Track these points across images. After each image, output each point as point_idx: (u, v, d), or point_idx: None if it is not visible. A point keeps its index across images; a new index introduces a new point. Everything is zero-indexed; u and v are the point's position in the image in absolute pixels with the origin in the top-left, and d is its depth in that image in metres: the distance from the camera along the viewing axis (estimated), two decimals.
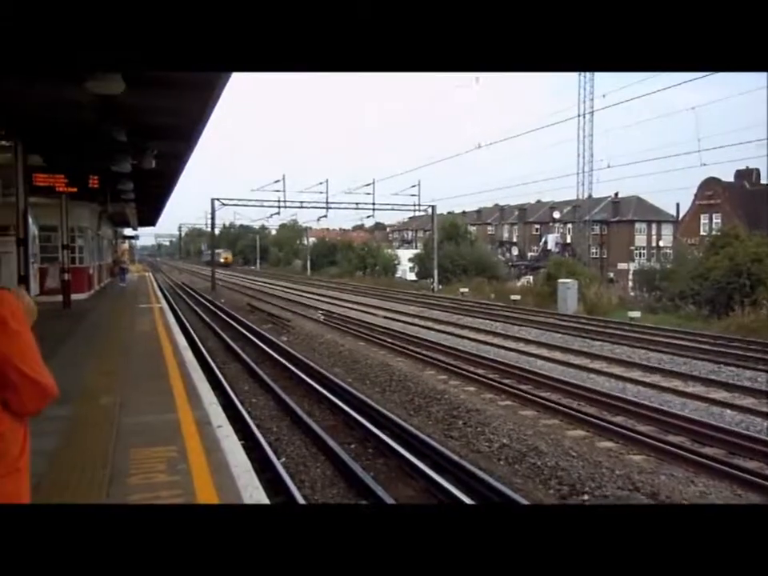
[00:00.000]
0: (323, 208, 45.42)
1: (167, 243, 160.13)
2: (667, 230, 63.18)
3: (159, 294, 27.90)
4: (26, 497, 1.91)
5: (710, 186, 49.73)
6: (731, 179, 50.96)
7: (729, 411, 10.31)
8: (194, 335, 17.43)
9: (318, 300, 32.81)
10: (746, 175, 49.46)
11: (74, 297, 19.92)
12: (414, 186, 45.21)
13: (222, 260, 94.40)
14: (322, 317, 24.55)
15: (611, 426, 9.20)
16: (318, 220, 53.93)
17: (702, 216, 50.91)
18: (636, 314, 23.73)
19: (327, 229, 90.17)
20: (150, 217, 39.61)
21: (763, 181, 48.93)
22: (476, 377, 12.79)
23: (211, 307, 28.50)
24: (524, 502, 6.41)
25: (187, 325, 19.48)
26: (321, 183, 45.14)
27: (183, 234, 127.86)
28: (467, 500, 6.28)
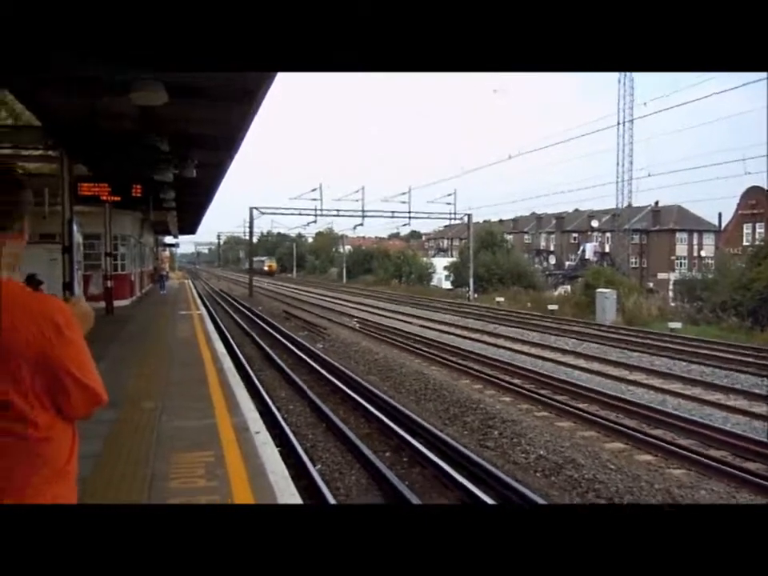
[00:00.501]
0: (359, 216, 45.73)
1: (206, 251, 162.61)
2: (709, 240, 61.89)
3: (198, 300, 28.36)
4: (72, 501, 1.97)
5: (753, 194, 48.59)
6: None
7: None
8: (232, 342, 17.66)
9: (353, 308, 32.93)
10: None
11: (117, 303, 20.37)
12: (449, 195, 45.23)
13: (265, 268, 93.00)
14: (357, 325, 24.64)
15: (650, 439, 9.05)
16: (354, 228, 54.19)
17: (744, 226, 49.79)
18: (677, 324, 23.29)
19: (363, 237, 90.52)
20: (190, 225, 40.33)
21: None
22: (512, 387, 12.70)
23: (248, 314, 28.84)
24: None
25: (225, 331, 19.75)
26: (357, 191, 45.47)
27: (222, 242, 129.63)
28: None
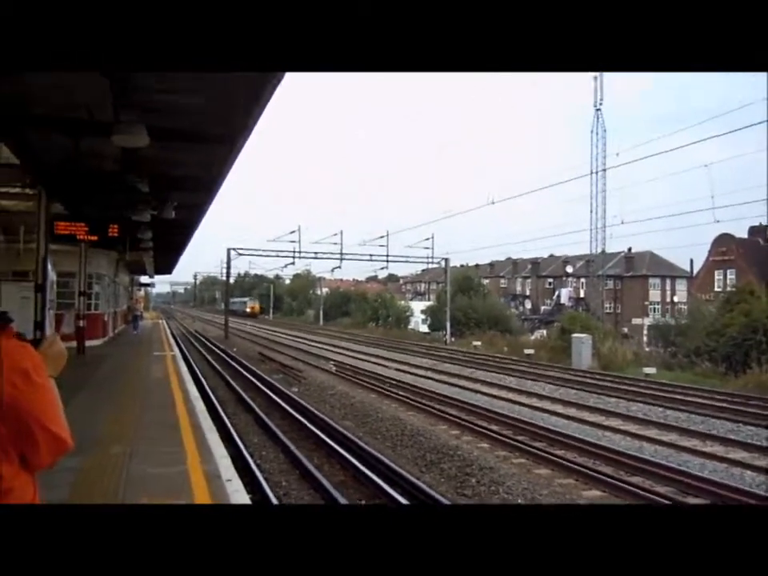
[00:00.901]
0: (337, 259, 45.88)
1: (182, 291, 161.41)
2: (681, 286, 62.90)
3: (172, 341, 27.98)
4: None
5: (723, 242, 49.71)
6: (745, 235, 50.94)
7: (749, 472, 10.06)
8: (205, 384, 17.38)
9: (329, 351, 32.73)
10: (760, 231, 49.46)
11: (89, 343, 20.01)
12: (427, 239, 45.66)
13: (247, 310, 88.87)
14: (334, 368, 24.46)
15: (628, 487, 8.98)
16: (332, 271, 54.39)
17: (716, 272, 50.76)
18: (651, 370, 23.46)
19: (341, 279, 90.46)
20: (166, 265, 40.06)
21: None
22: (489, 433, 12.60)
23: (223, 356, 28.49)
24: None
25: (199, 374, 19.45)
26: (335, 234, 45.67)
27: (198, 282, 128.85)
28: None
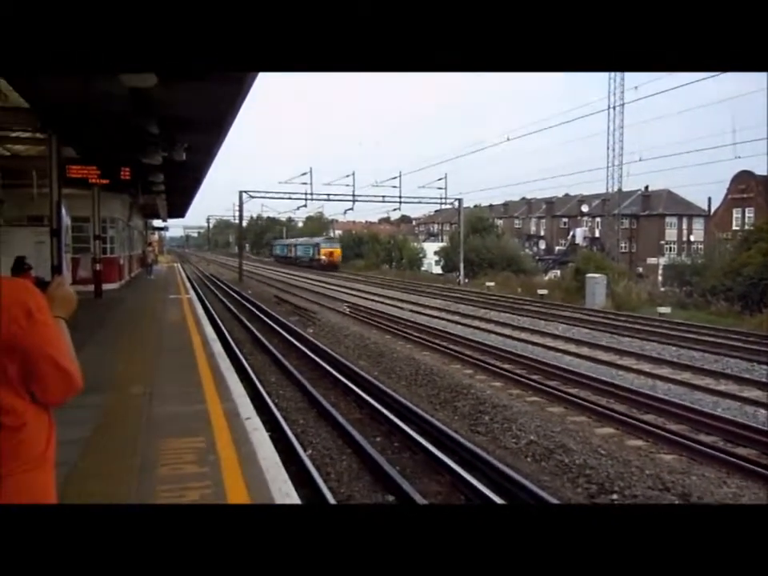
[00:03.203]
0: (350, 201, 45.51)
1: (196, 235, 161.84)
2: (699, 225, 62.14)
3: (188, 284, 28.22)
4: (51, 490, 1.92)
5: (742, 179, 48.76)
6: (765, 173, 49.92)
7: (763, 411, 10.11)
8: (222, 326, 17.59)
9: (343, 293, 32.88)
10: None
11: (105, 287, 20.22)
12: (440, 179, 45.19)
13: (321, 257, 59.21)
14: (348, 309, 24.61)
15: (641, 425, 9.08)
16: (345, 213, 54.01)
17: (734, 210, 49.96)
18: (666, 309, 23.39)
19: (353, 221, 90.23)
20: (179, 208, 40.05)
21: None
22: (503, 372, 12.71)
23: (238, 298, 28.72)
24: (553, 501, 6.36)
25: (215, 316, 19.66)
26: (347, 176, 45.19)
27: (212, 225, 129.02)
28: (495, 497, 6.25)
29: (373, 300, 28.93)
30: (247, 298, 28.12)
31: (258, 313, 22.72)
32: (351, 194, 45.10)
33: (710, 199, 57.32)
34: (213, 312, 20.73)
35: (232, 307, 24.69)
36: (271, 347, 15.22)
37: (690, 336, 17.62)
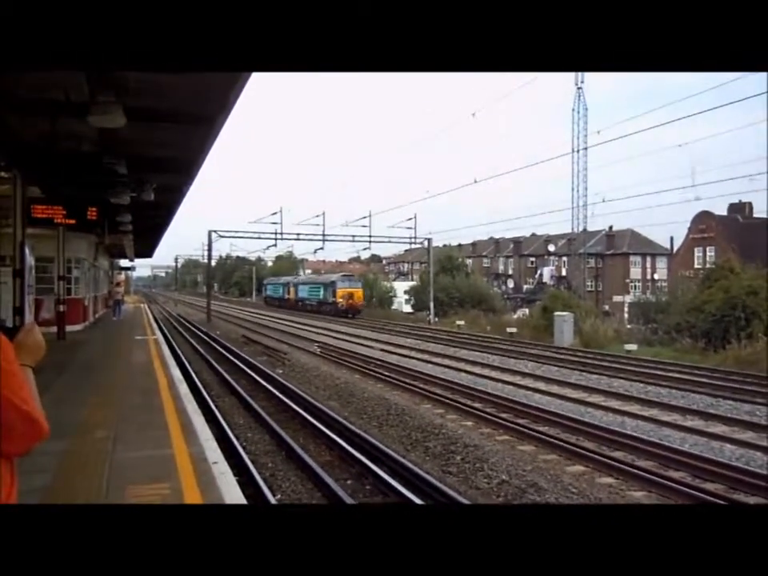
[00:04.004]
0: (320, 240, 45.60)
1: (163, 274, 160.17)
2: (662, 263, 63.47)
3: (154, 325, 27.81)
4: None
5: (703, 219, 50.13)
6: (724, 213, 51.41)
7: (728, 446, 10.23)
8: (189, 368, 17.31)
9: (314, 332, 32.70)
10: (739, 209, 49.95)
11: (69, 328, 19.80)
12: (410, 219, 45.52)
13: (338, 299, 45.97)
14: (318, 349, 24.45)
15: (611, 462, 9.11)
16: (315, 252, 54.01)
17: (695, 249, 51.21)
18: (632, 346, 23.71)
19: (323, 261, 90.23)
20: (146, 248, 39.66)
21: (756, 214, 49.39)
22: (473, 411, 12.69)
23: (206, 339, 28.36)
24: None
25: (182, 357, 19.35)
26: (317, 216, 45.33)
27: (179, 265, 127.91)
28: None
29: (343, 339, 28.82)
30: (215, 339, 27.78)
31: (226, 354, 22.43)
32: (321, 233, 45.25)
33: (672, 238, 58.73)
34: (180, 353, 20.42)
35: (199, 348, 24.36)
36: (239, 388, 15.00)
37: (657, 372, 17.85)
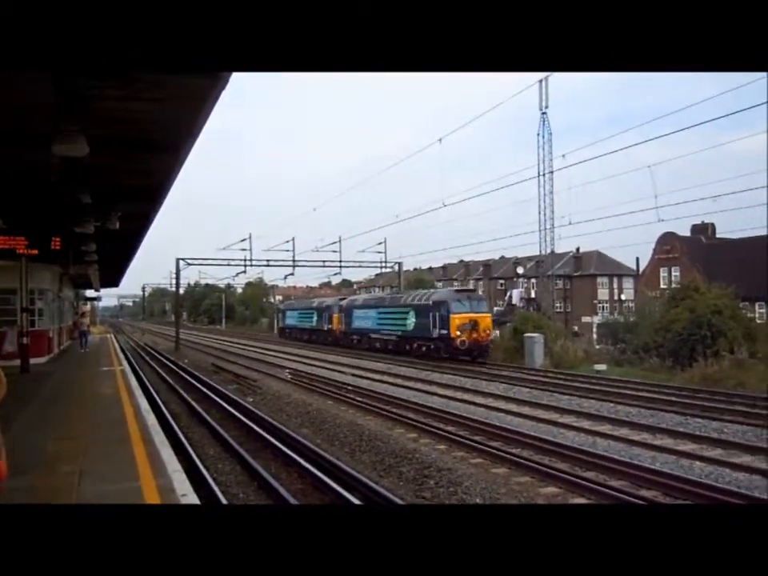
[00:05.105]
0: (290, 266, 45.46)
1: (130, 303, 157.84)
2: (628, 284, 64.47)
3: (121, 355, 27.31)
4: None
5: (667, 240, 51.13)
6: (688, 233, 52.52)
7: (698, 463, 10.34)
8: (157, 398, 17.00)
9: (285, 359, 32.41)
10: (702, 229, 51.08)
11: (33, 361, 19.32)
12: (380, 243, 45.65)
13: (456, 333, 28.15)
14: (290, 376, 24.23)
15: (583, 482, 9.13)
16: (285, 278, 53.80)
17: (661, 269, 52.12)
18: (602, 366, 23.97)
19: (294, 286, 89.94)
20: (112, 277, 39.07)
21: (718, 235, 50.64)
22: (446, 434, 12.66)
23: (174, 368, 27.93)
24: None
25: (150, 387, 19.01)
26: (287, 242, 45.17)
27: (147, 294, 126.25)
28: None
29: (315, 365, 28.62)
30: (184, 368, 27.37)
31: (194, 383, 22.09)
32: (291, 259, 45.12)
33: (638, 259, 59.73)
34: (147, 384, 20.05)
35: (168, 378, 23.96)
36: (209, 418, 14.75)
37: (626, 392, 18.03)
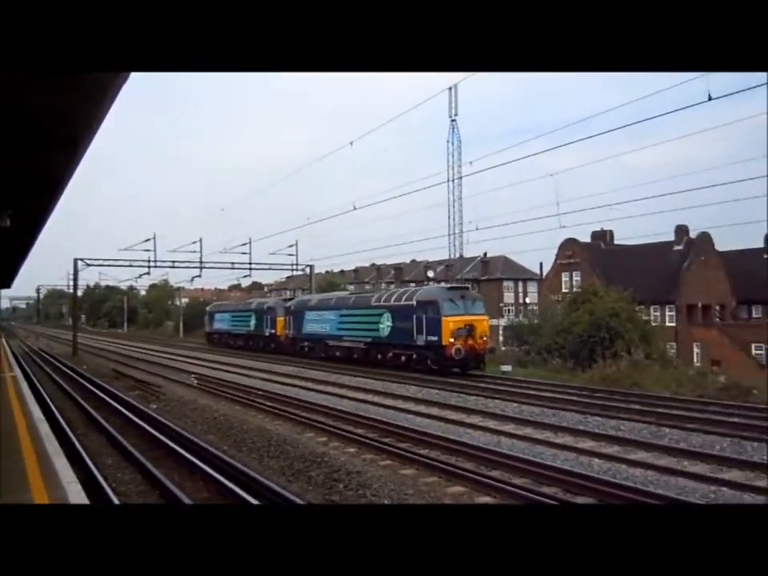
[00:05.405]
0: (197, 267, 44.28)
1: (23, 306, 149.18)
2: (533, 288, 66.79)
3: (13, 361, 25.73)
4: None
5: (569, 246, 53.34)
6: (588, 239, 54.99)
7: (596, 460, 10.79)
8: (52, 405, 16.10)
9: (191, 363, 31.53)
10: (601, 236, 53.63)
11: None
12: (291, 246, 45.23)
13: (445, 339, 23.00)
14: (196, 381, 23.56)
15: (489, 481, 9.33)
16: (192, 280, 52.30)
17: (563, 274, 54.32)
18: (508, 368, 24.67)
19: (202, 289, 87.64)
20: (4, 278, 36.77)
21: (616, 241, 53.37)
22: (356, 437, 12.65)
23: (71, 374, 26.58)
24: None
25: (44, 395, 17.98)
26: (194, 242, 43.99)
27: (42, 296, 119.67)
28: None
29: (223, 370, 27.98)
30: (82, 374, 26.08)
31: (93, 389, 21.07)
32: (199, 260, 43.96)
33: (541, 264, 62.01)
34: (42, 391, 18.98)
35: (64, 385, 22.74)
36: (108, 426, 14.10)
37: (530, 392, 18.63)
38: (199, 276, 47.81)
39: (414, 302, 25.00)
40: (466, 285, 26.78)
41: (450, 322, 23.18)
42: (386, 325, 26.34)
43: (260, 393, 19.54)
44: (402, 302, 25.91)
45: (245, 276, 50.56)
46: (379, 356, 26.96)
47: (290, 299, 39.97)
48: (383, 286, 78.85)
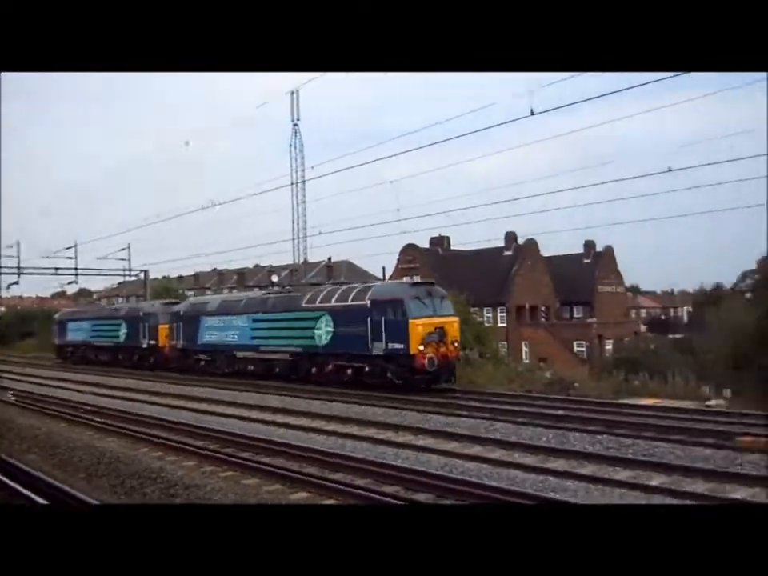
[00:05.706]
0: (15, 274, 40.50)
1: None
2: None
3: None
4: None
5: (409, 251, 55.28)
6: (427, 245, 57.25)
7: (435, 456, 11.18)
8: None
9: (7, 378, 28.76)
10: (439, 242, 56.07)
11: None
12: (123, 250, 42.71)
13: (414, 346, 18.52)
14: (13, 397, 21.52)
15: (332, 485, 9.33)
16: (9, 287, 47.62)
17: (404, 278, 56.11)
18: None
19: (21, 297, 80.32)
20: None
21: (453, 247, 56.09)
22: (195, 449, 12.16)
23: None
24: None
25: None
26: (10, 246, 40.14)
27: None
28: None
29: (46, 385, 25.85)
30: None
31: None
32: (17, 266, 40.25)
33: (384, 268, 63.59)
34: None
35: None
36: None
37: (374, 394, 18.93)
38: (17, 283, 43.71)
39: (368, 302, 20.12)
40: (432, 281, 22.09)
41: (419, 326, 18.72)
42: (324, 331, 21.55)
43: (89, 408, 18.21)
44: (349, 302, 20.94)
45: (70, 282, 46.47)
46: (314, 369, 22.21)
47: (173, 302, 32.83)
48: (225, 291, 76.93)
